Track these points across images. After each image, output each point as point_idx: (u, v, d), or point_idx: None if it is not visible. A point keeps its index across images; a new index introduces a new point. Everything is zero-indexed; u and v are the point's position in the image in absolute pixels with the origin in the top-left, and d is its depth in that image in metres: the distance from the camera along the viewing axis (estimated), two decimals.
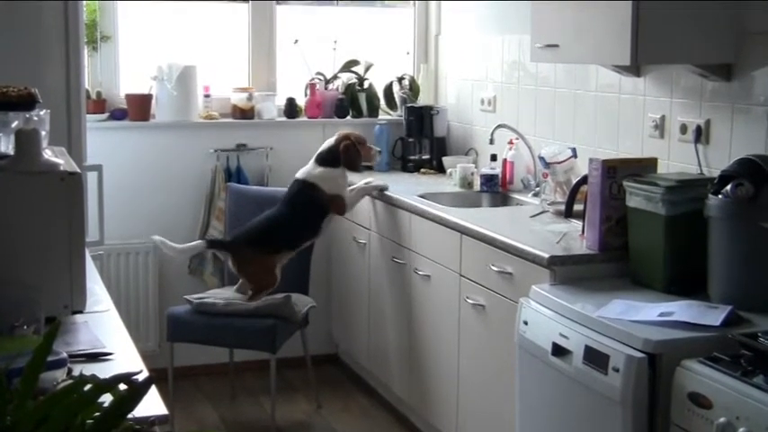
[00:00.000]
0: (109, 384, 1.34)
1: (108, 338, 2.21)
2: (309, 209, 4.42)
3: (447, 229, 3.83)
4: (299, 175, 4.47)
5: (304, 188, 4.42)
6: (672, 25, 3.16)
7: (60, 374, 1.75)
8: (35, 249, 2.32)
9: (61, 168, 2.36)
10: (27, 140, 2.34)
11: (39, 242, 2.32)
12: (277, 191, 4.85)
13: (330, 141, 4.51)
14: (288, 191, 4.48)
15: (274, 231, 4.39)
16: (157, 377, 1.42)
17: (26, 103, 2.48)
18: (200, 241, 4.52)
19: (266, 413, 4.65)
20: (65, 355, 1.82)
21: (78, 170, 2.43)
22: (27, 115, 2.49)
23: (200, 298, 4.44)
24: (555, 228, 3.55)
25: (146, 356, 2.22)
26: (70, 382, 1.39)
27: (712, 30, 3.20)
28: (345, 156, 4.44)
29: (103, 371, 1.87)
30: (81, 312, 2.37)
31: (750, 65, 3.16)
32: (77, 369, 1.86)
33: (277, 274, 4.38)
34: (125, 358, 2.09)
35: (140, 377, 1.40)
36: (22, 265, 2.30)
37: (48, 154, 2.44)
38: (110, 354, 2.10)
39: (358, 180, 4.62)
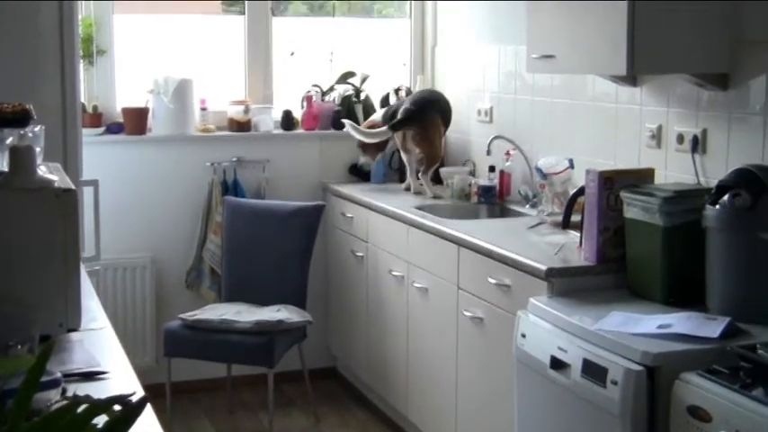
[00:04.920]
0: (103, 405, 1.33)
1: (103, 357, 2.20)
2: None
3: (444, 242, 3.82)
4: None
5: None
6: (667, 35, 3.15)
7: (54, 395, 1.73)
8: (30, 267, 2.30)
9: (56, 185, 2.35)
10: (21, 157, 2.32)
11: (33, 260, 2.31)
12: (274, 204, 4.85)
13: None
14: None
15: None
16: (155, 392, 1.41)
17: (21, 119, 2.47)
18: (384, 128, 4.82)
19: (264, 428, 4.63)
20: (59, 374, 1.80)
21: (73, 187, 2.41)
22: (21, 132, 2.48)
23: (194, 315, 4.42)
24: (553, 239, 3.54)
25: (143, 372, 2.21)
26: (64, 402, 1.37)
27: (708, 39, 3.19)
28: None
29: (99, 390, 1.86)
30: (76, 330, 2.36)
31: (746, 74, 3.15)
32: (72, 388, 1.84)
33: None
34: (120, 377, 2.07)
35: (135, 397, 1.38)
36: (17, 282, 2.28)
37: (42, 170, 2.43)
38: (105, 372, 2.08)
39: None
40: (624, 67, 3.15)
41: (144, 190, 4.99)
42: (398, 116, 4.81)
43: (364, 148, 5.06)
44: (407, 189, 4.91)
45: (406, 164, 4.91)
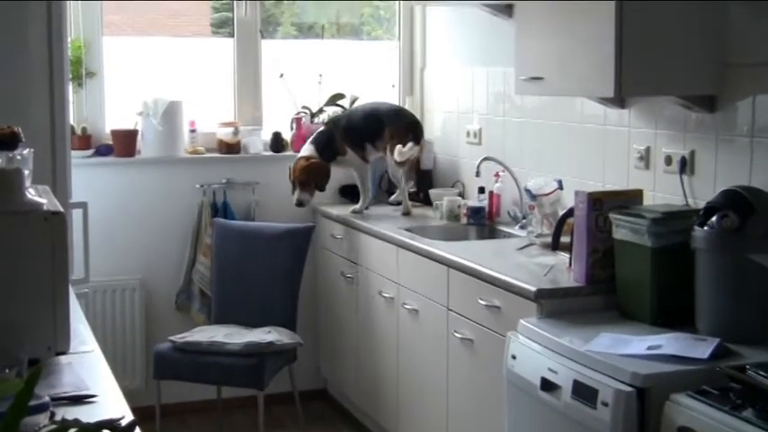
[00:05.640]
0: (92, 429, 1.33)
1: (92, 380, 2.19)
2: None
3: (434, 263, 3.82)
4: None
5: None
6: (655, 57, 3.17)
7: (43, 419, 1.72)
8: (18, 290, 2.30)
9: (44, 208, 2.35)
10: (9, 180, 2.32)
11: (22, 283, 2.30)
12: (264, 225, 4.85)
13: None
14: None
15: None
16: (144, 415, 1.40)
17: (9, 142, 2.47)
18: (411, 144, 4.68)
19: None
20: (47, 398, 1.79)
21: (62, 209, 2.41)
22: (10, 155, 2.48)
23: (184, 338, 4.41)
24: (542, 260, 3.54)
25: (132, 395, 2.19)
26: (53, 427, 1.37)
27: (695, 61, 3.21)
28: None
29: (87, 413, 1.85)
30: (65, 353, 2.35)
31: (733, 96, 3.17)
32: (61, 412, 1.83)
33: None
34: (109, 400, 2.06)
35: (124, 421, 1.38)
36: (5, 305, 2.28)
37: (31, 193, 2.43)
38: (94, 396, 2.08)
39: None
40: (612, 90, 3.17)
41: (133, 212, 4.98)
42: (408, 129, 4.80)
43: (302, 184, 4.84)
44: (403, 210, 4.88)
45: (401, 180, 4.90)
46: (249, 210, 5.13)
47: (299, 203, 4.87)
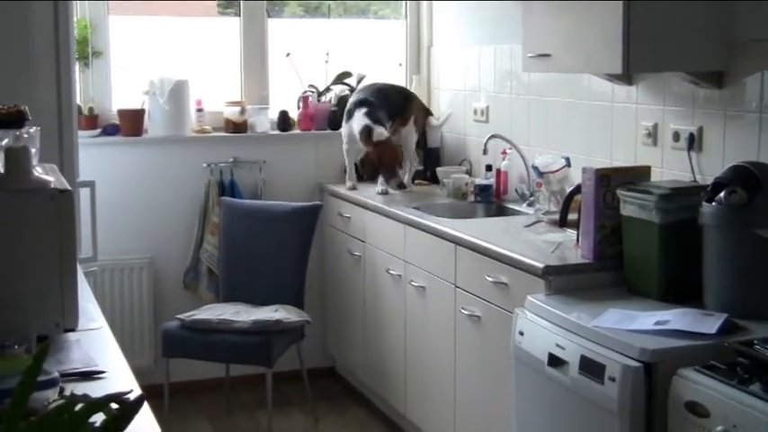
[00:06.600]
0: (100, 404, 1.33)
1: (101, 356, 2.19)
2: None
3: (441, 240, 3.82)
4: None
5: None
6: (663, 34, 3.16)
7: (52, 394, 1.73)
8: (26, 267, 2.30)
9: (51, 186, 2.35)
10: (17, 158, 2.32)
11: (29, 260, 2.31)
12: (271, 204, 4.85)
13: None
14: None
15: None
16: (153, 393, 1.41)
17: (16, 120, 2.47)
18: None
19: (263, 428, 4.63)
20: (56, 374, 1.80)
21: (69, 188, 2.41)
22: (17, 133, 2.48)
23: (192, 316, 4.42)
24: (550, 237, 3.54)
25: (141, 372, 2.19)
26: (62, 402, 1.37)
27: (703, 37, 3.19)
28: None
29: (96, 389, 1.86)
30: (73, 330, 2.36)
31: (741, 72, 3.16)
32: (69, 388, 1.84)
33: None
34: (118, 376, 2.07)
35: (132, 396, 1.38)
36: (13, 283, 2.28)
37: (38, 171, 2.43)
38: (102, 372, 2.08)
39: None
40: (620, 66, 3.15)
41: (141, 191, 4.99)
42: (425, 107, 5.17)
43: (400, 164, 4.76)
44: (400, 187, 4.80)
45: (414, 157, 5.07)
46: (256, 188, 5.13)
47: (402, 185, 4.76)
